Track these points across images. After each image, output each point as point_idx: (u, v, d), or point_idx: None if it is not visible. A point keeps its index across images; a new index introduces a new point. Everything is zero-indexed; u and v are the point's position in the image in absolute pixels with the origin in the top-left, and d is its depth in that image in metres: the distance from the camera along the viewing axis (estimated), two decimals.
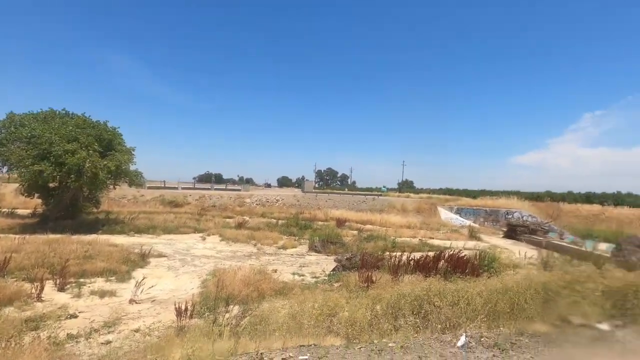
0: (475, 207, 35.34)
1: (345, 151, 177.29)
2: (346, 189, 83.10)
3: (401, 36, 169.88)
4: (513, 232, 26.43)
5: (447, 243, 19.75)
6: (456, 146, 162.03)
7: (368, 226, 27.41)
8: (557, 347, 2.98)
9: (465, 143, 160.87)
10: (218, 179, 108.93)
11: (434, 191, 71.45)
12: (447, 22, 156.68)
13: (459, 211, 34.91)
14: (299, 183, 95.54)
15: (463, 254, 13.14)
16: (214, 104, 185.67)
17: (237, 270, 10.89)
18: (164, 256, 14.22)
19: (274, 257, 15.62)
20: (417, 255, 13.09)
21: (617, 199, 50.30)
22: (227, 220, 26.89)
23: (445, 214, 34.24)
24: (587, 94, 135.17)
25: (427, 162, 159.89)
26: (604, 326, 3.89)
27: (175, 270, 12.27)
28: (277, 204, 38.63)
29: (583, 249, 19.33)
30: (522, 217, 31.57)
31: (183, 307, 6.92)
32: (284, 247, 17.66)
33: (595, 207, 38.46)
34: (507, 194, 41.54)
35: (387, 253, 14.65)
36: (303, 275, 12.42)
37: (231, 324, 6.24)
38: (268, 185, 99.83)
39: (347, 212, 33.46)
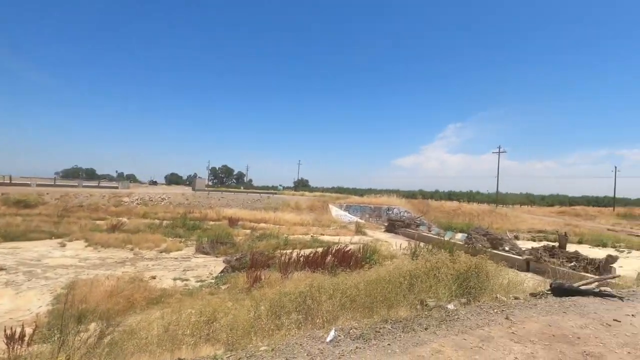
0: (362, 205, 38.41)
1: (243, 149, 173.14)
2: (242, 187, 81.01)
3: (294, 38, 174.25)
4: (393, 226, 29.53)
5: (336, 238, 20.86)
6: (348, 147, 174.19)
7: (262, 225, 27.11)
8: (412, 331, 3.25)
9: (356, 145, 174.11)
10: (90, 175, 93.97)
11: (327, 190, 75.22)
12: (341, 29, 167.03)
13: (348, 208, 37.44)
14: (191, 181, 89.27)
15: (349, 249, 13.99)
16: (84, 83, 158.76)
17: (103, 280, 9.37)
18: (1, 269, 11.38)
19: (154, 262, 14.04)
20: (308, 251, 13.42)
21: (470, 197, 61.29)
22: (98, 222, 23.22)
23: (335, 211, 36.27)
24: (451, 108, 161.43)
25: (322, 162, 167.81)
26: (451, 306, 4.48)
27: (16, 287, 9.89)
28: (162, 203, 35.13)
29: (445, 238, 22.80)
30: (400, 213, 35.62)
31: (19, 332, 5.52)
32: (167, 250, 16.05)
33: (455, 204, 45.86)
34: (389, 192, 46.38)
35: (279, 251, 14.68)
36: (187, 280, 11.44)
37: (86, 345, 5.24)
38: (153, 183, 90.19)
39: (241, 210, 32.52)
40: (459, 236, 23.19)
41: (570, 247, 18.73)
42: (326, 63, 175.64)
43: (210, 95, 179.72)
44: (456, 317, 3.75)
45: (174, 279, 11.29)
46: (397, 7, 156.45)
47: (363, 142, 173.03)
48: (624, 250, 22.37)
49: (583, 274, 13.18)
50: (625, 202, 66.30)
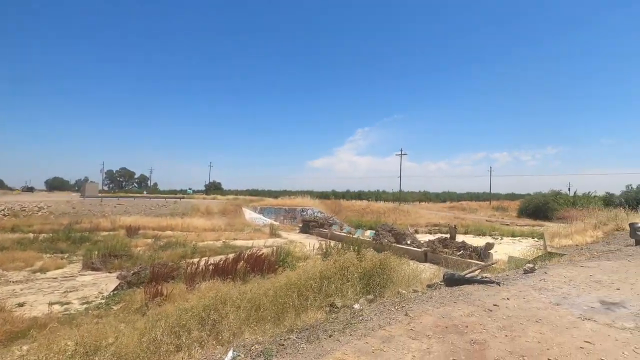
0: (276, 207, 38.16)
1: (146, 150, 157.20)
2: (145, 192, 73.49)
3: (223, 40, 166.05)
4: (307, 227, 29.95)
5: (250, 243, 20.25)
6: (264, 149, 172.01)
7: (168, 232, 24.85)
8: (316, 341, 3.13)
9: (271, 147, 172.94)
10: None
11: (241, 192, 73.02)
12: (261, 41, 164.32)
13: (262, 211, 36.81)
14: (80, 186, 77.74)
15: (261, 253, 13.61)
16: None
17: None
18: None
19: (25, 285, 11.61)
20: (218, 258, 12.65)
21: (377, 196, 65.93)
22: None
23: (249, 214, 35.31)
24: (360, 114, 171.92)
25: (236, 164, 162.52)
26: (357, 306, 4.54)
27: None
28: (40, 214, 29.65)
29: (355, 236, 23.95)
30: (314, 213, 36.37)
31: None
32: (43, 270, 13.45)
33: (364, 203, 48.76)
34: (303, 193, 47.07)
35: (186, 261, 13.56)
36: (68, 304, 9.70)
37: None
38: (29, 189, 75.74)
39: (143, 218, 29.37)
40: (368, 233, 24.59)
41: (459, 238, 21.38)
42: (241, 65, 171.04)
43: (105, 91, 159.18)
44: (361, 318, 3.78)
45: (50, 304, 9.46)
46: (313, 11, 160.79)
47: (279, 144, 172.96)
48: (497, 237, 26.52)
49: (469, 260, 15.10)
50: (498, 197, 78.87)
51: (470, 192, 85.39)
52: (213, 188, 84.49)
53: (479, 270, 6.45)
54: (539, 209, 43.68)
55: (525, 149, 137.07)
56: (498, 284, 5.19)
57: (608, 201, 37.56)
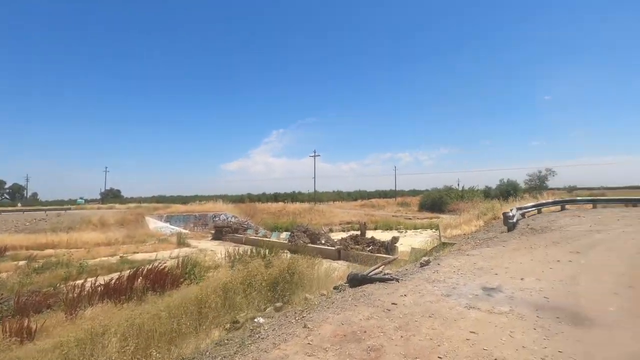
0: (185, 214, 35.44)
1: (22, 155, 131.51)
2: (19, 205, 61.46)
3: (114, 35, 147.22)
4: (220, 233, 28.44)
5: (154, 255, 18.33)
6: (172, 151, 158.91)
7: (48, 251, 20.96)
8: None
9: (183, 150, 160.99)
10: None
11: (145, 199, 66.30)
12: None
13: (170, 219, 33.83)
14: None
15: (164, 266, 12.31)
16: None
17: None
18: None
19: None
20: (112, 276, 11.02)
21: (293, 197, 66.45)
22: None
23: (154, 224, 32.10)
24: (275, 115, 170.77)
25: (139, 168, 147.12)
26: (260, 319, 4.23)
27: None
28: None
29: (272, 239, 23.53)
30: (227, 218, 34.78)
31: None
32: None
33: (280, 204, 48.54)
34: (216, 198, 44.74)
35: (71, 283, 11.50)
36: None
37: None
38: None
39: (13, 236, 24.40)
40: (284, 235, 24.39)
41: (370, 233, 22.59)
42: (150, 65, 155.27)
43: None
44: (258, 336, 3.48)
45: None
46: (230, 8, 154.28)
47: (189, 147, 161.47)
48: (402, 231, 28.90)
49: (377, 255, 15.99)
50: (402, 193, 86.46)
51: (379, 190, 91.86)
52: (111, 196, 74.94)
53: (383, 267, 6.70)
54: (436, 203, 49.10)
55: (423, 149, 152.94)
56: (397, 280, 5.41)
57: (487, 194, 43.99)
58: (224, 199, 45.21)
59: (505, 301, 4.48)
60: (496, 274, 5.94)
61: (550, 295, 4.71)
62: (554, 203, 18.45)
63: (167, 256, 17.07)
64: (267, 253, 9.93)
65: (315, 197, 62.11)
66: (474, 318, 3.86)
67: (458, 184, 61.23)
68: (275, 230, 29.05)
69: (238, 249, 17.83)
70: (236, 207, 41.05)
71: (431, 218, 37.49)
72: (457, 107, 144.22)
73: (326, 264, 13.32)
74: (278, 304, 5.62)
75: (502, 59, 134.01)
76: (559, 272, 6.00)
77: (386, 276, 5.52)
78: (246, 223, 31.69)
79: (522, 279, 5.58)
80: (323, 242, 21.27)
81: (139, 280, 11.29)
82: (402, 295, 4.64)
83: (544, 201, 18.67)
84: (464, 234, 13.84)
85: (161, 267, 12.12)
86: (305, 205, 49.66)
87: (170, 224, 32.90)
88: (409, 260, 10.08)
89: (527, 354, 3.01)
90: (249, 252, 11.51)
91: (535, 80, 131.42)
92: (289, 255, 12.14)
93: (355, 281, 5.32)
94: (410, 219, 38.41)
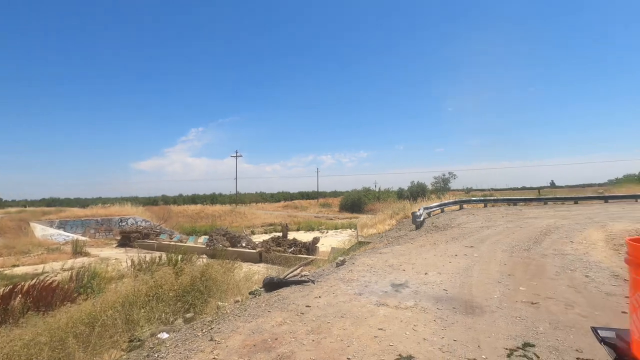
0: (84, 218, 31.08)
1: None
2: None
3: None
4: (127, 239, 25.68)
5: (41, 267, 15.74)
6: (67, 149, 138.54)
7: None
8: None
9: (82, 146, 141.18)
10: None
11: (33, 203, 56.86)
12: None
13: (63, 225, 29.35)
14: None
15: (53, 280, 10.57)
16: None
17: None
18: None
19: None
20: None
21: (213, 199, 63.44)
22: None
23: (42, 231, 27.54)
24: (194, 113, 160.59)
25: (25, 167, 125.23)
26: (164, 335, 3.83)
27: None
28: None
29: (188, 244, 22.00)
30: (137, 222, 31.60)
31: None
32: None
33: (198, 207, 45.89)
34: (124, 200, 40.24)
35: None
36: None
37: None
38: None
39: None
40: (202, 239, 23.08)
41: (292, 235, 22.65)
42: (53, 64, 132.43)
43: None
44: (157, 355, 3.12)
45: None
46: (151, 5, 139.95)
47: (91, 143, 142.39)
48: (324, 231, 29.60)
49: (299, 256, 16.08)
50: (324, 194, 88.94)
51: (302, 191, 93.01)
52: None
53: (301, 269, 6.71)
54: (355, 203, 51.56)
55: (344, 152, 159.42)
56: (313, 282, 5.43)
57: (400, 194, 47.72)
58: (134, 201, 40.87)
59: (410, 296, 4.80)
60: (404, 270, 6.37)
61: (448, 287, 5.20)
62: (455, 203, 20.80)
63: (58, 268, 14.77)
64: (178, 260, 9.14)
65: (237, 199, 60.24)
66: (383, 315, 4.04)
67: (375, 186, 65.23)
68: (192, 235, 27.30)
69: (146, 257, 16.21)
70: (148, 210, 37.54)
71: (351, 218, 39.16)
72: (374, 112, 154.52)
73: (246, 267, 12.91)
74: (189, 315, 5.21)
75: (413, 71, 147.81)
76: (456, 265, 6.69)
77: (302, 278, 5.51)
78: (159, 227, 29.16)
79: (425, 273, 6.07)
80: (244, 245, 20.65)
81: (17, 298, 9.52)
82: (316, 297, 4.65)
83: (446, 201, 20.90)
84: (379, 233, 14.70)
85: (48, 282, 10.39)
86: (227, 207, 47.82)
87: (65, 231, 28.65)
88: (328, 260, 10.29)
89: (427, 346, 3.23)
90: (157, 260, 10.52)
91: (439, 91, 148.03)
92: (206, 260, 11.45)
93: (271, 285, 5.19)
94: (331, 219, 39.58)
